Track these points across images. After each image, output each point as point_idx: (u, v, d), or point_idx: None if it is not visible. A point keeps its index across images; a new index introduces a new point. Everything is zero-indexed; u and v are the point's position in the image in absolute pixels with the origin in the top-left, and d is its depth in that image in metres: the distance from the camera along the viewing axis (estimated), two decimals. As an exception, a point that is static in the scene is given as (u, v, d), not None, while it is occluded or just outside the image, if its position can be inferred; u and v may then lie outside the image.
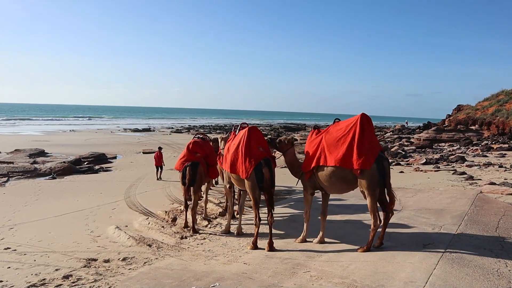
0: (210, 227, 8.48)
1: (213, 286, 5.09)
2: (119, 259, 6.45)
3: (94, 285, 5.39)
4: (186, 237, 7.67)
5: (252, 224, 6.94)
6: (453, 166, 17.58)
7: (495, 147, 25.18)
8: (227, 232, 7.88)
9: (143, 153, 24.09)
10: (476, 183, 12.92)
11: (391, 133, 46.08)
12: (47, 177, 15.39)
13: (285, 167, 7.55)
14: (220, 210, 9.72)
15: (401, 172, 16.37)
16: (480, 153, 22.95)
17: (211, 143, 9.50)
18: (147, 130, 48.97)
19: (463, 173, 15.12)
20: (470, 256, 5.61)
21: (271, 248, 6.53)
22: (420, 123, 52.90)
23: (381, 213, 6.28)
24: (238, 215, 8.07)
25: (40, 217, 9.41)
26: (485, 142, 28.95)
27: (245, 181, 6.66)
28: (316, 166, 6.46)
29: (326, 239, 6.84)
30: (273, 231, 6.76)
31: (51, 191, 12.83)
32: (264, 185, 6.57)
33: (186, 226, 8.31)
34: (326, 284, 4.95)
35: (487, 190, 10.82)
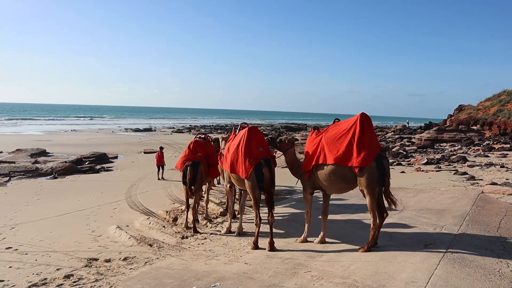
0: (211, 227, 8.48)
1: (214, 286, 5.09)
2: (120, 258, 6.46)
3: (95, 285, 5.39)
4: (187, 237, 7.67)
5: (253, 223, 6.94)
6: (455, 166, 17.55)
7: (496, 147, 25.13)
8: (228, 232, 7.88)
9: (144, 153, 24.12)
10: (477, 183, 12.89)
11: (392, 133, 46.03)
12: (49, 177, 15.42)
13: (285, 167, 7.56)
14: (221, 210, 9.72)
15: (402, 172, 16.35)
16: (482, 153, 22.91)
17: (212, 143, 9.51)
18: (148, 130, 49.03)
19: (465, 173, 15.09)
20: (472, 256, 5.60)
21: (272, 247, 6.53)
22: (422, 123, 52.88)
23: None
24: (238, 215, 8.07)
25: (41, 216, 9.42)
26: (487, 142, 28.89)
27: (245, 181, 6.66)
28: (316, 165, 6.47)
29: (327, 239, 6.83)
30: (274, 230, 6.76)
31: (53, 190, 12.85)
32: (264, 185, 6.57)
33: (187, 226, 8.31)
34: (327, 284, 4.95)
35: (489, 190, 10.80)
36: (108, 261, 6.37)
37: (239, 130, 7.41)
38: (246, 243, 7.06)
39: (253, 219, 6.90)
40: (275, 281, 5.15)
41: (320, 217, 6.88)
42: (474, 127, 34.73)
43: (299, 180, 7.00)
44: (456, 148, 26.98)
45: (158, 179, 14.98)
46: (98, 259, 6.44)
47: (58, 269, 6.01)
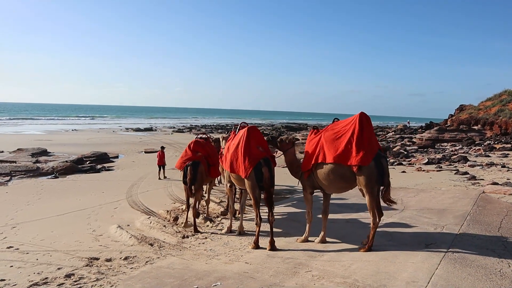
0: (211, 227, 8.48)
1: (215, 285, 5.09)
2: (121, 258, 6.46)
3: (96, 284, 5.39)
4: (187, 237, 7.67)
5: (253, 223, 6.94)
6: (456, 166, 17.53)
7: (497, 147, 25.10)
8: (228, 231, 7.88)
9: (145, 152, 24.13)
10: (478, 183, 12.88)
11: (393, 133, 46.00)
12: (50, 176, 15.43)
13: (286, 166, 7.56)
14: (222, 209, 9.73)
15: (403, 172, 16.34)
16: (483, 153, 22.88)
17: (213, 143, 9.51)
18: (149, 129, 49.05)
19: (466, 173, 15.07)
20: (473, 256, 5.59)
21: (273, 247, 6.53)
22: (423, 123, 52.83)
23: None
24: (239, 215, 8.08)
25: (42, 216, 9.43)
26: (488, 142, 28.86)
27: (245, 180, 6.67)
28: (315, 164, 6.47)
29: (327, 239, 6.83)
30: (275, 230, 6.76)
31: (54, 190, 12.86)
32: (264, 185, 6.58)
33: (186, 225, 8.31)
34: (328, 284, 4.95)
35: (490, 190, 10.78)
36: (109, 260, 6.37)
37: (239, 129, 7.43)
38: (247, 242, 7.06)
39: (254, 219, 6.90)
40: (275, 280, 5.15)
41: (321, 216, 6.89)
42: (475, 127, 34.69)
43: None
44: (457, 148, 26.95)
45: (159, 178, 15.00)
46: (99, 259, 6.44)
47: (59, 269, 6.01)
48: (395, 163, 19.22)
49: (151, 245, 7.11)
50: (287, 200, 10.98)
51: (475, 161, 19.01)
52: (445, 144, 30.22)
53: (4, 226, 8.54)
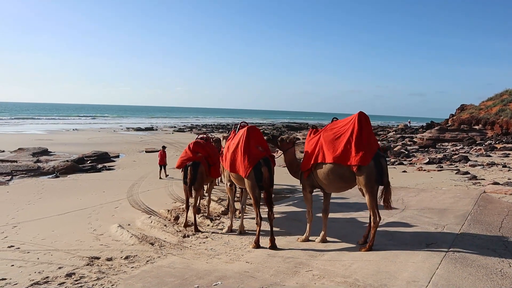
0: (212, 226, 8.49)
1: (215, 284, 5.10)
2: (121, 257, 6.47)
3: (96, 283, 5.40)
4: (188, 236, 7.68)
5: (254, 222, 6.94)
6: (456, 166, 17.51)
7: (498, 147, 25.07)
8: (229, 230, 7.89)
9: (146, 152, 24.14)
10: (479, 182, 12.86)
11: (394, 132, 45.96)
12: (50, 176, 15.45)
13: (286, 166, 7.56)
14: (223, 208, 9.73)
15: (404, 171, 16.32)
16: (484, 152, 22.86)
17: (213, 143, 9.51)
18: (150, 129, 49.07)
19: (467, 172, 15.06)
20: (473, 256, 5.59)
21: (273, 244, 6.54)
22: (424, 123, 52.78)
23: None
24: (240, 214, 8.08)
25: (43, 215, 9.45)
26: (489, 141, 28.81)
27: (245, 180, 6.68)
28: (315, 164, 6.48)
29: (328, 238, 6.83)
30: (276, 229, 6.77)
31: (54, 189, 12.88)
32: (263, 185, 6.59)
33: (186, 225, 8.31)
34: (329, 283, 4.95)
35: (491, 190, 10.77)
36: (109, 259, 6.38)
37: (239, 129, 7.44)
38: (247, 242, 7.07)
39: (254, 218, 6.90)
40: (276, 280, 5.15)
41: (321, 214, 6.89)
42: (476, 127, 34.65)
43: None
44: (458, 147, 26.92)
45: (160, 178, 15.02)
46: (99, 258, 6.45)
47: (60, 268, 6.02)
48: (396, 163, 19.21)
49: (152, 244, 7.11)
50: (288, 199, 10.98)
51: (476, 161, 18.98)
52: (446, 143, 30.19)
53: (5, 225, 8.55)
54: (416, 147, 28.16)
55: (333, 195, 7.06)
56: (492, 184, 11.98)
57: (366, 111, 6.35)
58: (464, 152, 23.35)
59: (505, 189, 10.76)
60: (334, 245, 6.59)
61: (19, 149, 21.67)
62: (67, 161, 17.92)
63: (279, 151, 7.45)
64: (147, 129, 48.67)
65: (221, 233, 7.87)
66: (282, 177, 12.00)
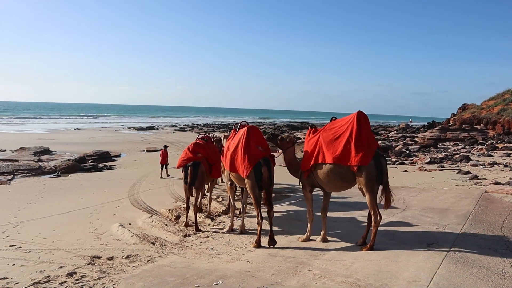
0: (213, 225, 8.49)
1: (216, 284, 5.10)
2: (122, 256, 6.48)
3: (97, 282, 5.41)
4: (189, 235, 7.68)
5: (255, 221, 6.94)
6: (458, 166, 17.48)
7: (500, 147, 25.01)
8: (230, 230, 7.89)
9: (147, 151, 24.16)
10: (481, 182, 12.83)
11: (395, 132, 45.89)
12: (52, 175, 15.48)
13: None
14: (223, 208, 9.74)
15: (405, 171, 16.30)
16: (485, 152, 22.81)
17: (214, 143, 9.50)
18: (151, 128, 49.13)
19: (468, 172, 15.03)
20: (475, 256, 5.58)
21: (272, 240, 6.54)
22: (425, 122, 52.71)
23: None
24: (240, 214, 8.08)
25: (44, 214, 9.46)
26: (490, 141, 28.76)
27: (245, 179, 6.68)
28: (315, 164, 6.47)
29: (329, 238, 6.83)
30: (276, 229, 6.76)
31: (56, 189, 12.90)
32: (263, 184, 6.59)
33: (187, 224, 8.32)
34: (329, 283, 4.94)
35: (492, 190, 10.75)
36: (110, 259, 6.38)
37: (239, 128, 7.43)
38: (248, 241, 7.07)
39: (255, 217, 6.90)
40: (277, 279, 5.15)
41: (320, 213, 6.89)
42: (478, 126, 34.57)
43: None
44: (459, 147, 26.87)
45: (161, 177, 15.03)
46: (100, 257, 6.46)
47: (61, 267, 6.03)
48: (397, 162, 19.18)
49: (153, 243, 7.12)
50: (288, 199, 10.97)
51: (478, 161, 18.94)
52: (448, 143, 30.14)
53: (6, 224, 8.57)
54: (417, 146, 28.11)
55: (334, 194, 7.06)
56: (493, 184, 11.96)
57: (369, 110, 6.40)
58: (466, 152, 23.30)
59: (506, 188, 10.74)
60: (335, 245, 6.58)
61: (20, 148, 21.72)
62: (69, 160, 17.94)
63: (279, 150, 7.45)
64: (148, 128, 48.73)
65: (222, 232, 7.87)
66: (283, 176, 11.99)
